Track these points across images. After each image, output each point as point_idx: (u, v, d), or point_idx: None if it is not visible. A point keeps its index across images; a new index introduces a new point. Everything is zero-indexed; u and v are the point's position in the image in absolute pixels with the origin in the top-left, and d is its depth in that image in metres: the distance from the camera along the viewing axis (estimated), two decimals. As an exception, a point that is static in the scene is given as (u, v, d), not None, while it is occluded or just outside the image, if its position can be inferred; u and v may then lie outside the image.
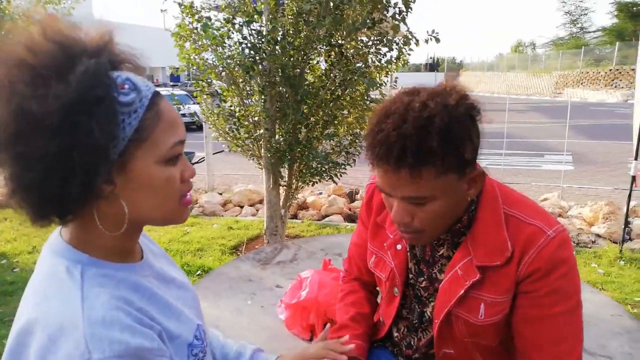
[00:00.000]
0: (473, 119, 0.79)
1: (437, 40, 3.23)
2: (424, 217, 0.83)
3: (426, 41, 3.28)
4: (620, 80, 23.09)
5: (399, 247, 1.00)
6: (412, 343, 1.05)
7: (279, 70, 3.13)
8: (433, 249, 0.96)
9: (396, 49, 3.42)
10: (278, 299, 1.69)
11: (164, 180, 0.67)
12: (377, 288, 1.16)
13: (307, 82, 3.38)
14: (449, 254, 0.94)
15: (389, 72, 3.75)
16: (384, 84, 3.74)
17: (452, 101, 0.76)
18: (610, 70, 23.75)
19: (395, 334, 1.09)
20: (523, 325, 0.88)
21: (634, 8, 27.89)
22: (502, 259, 0.84)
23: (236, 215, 5.24)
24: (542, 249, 0.82)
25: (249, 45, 3.13)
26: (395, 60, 3.53)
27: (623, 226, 3.81)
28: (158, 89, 0.70)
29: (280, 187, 3.72)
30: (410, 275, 1.01)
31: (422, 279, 0.99)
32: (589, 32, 35.52)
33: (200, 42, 3.37)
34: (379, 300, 1.18)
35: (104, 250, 0.68)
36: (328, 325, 0.97)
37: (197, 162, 6.12)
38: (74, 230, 0.69)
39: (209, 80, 3.54)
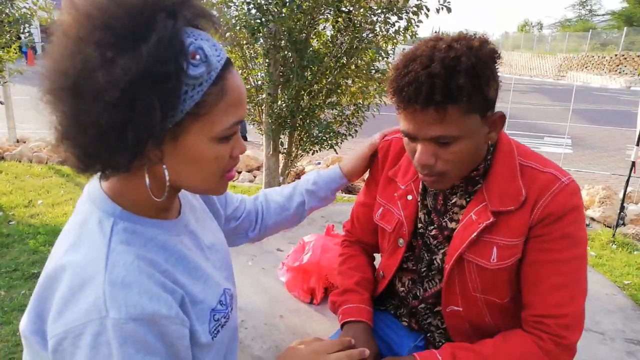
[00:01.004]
0: (495, 60, 0.82)
1: (449, 10, 3.15)
2: (448, 158, 0.84)
3: (437, 10, 3.20)
4: (625, 66, 22.84)
5: (409, 197, 1.02)
6: (418, 294, 1.06)
7: (286, 33, 3.05)
8: (446, 198, 0.98)
9: (405, 18, 3.34)
10: (279, 261, 1.70)
11: (213, 157, 0.66)
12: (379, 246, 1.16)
13: (312, 48, 3.31)
14: (461, 202, 0.96)
15: (396, 44, 3.68)
16: (390, 55, 3.68)
17: (476, 43, 0.80)
18: (616, 55, 23.46)
19: (401, 289, 1.09)
20: (530, 270, 0.89)
21: (646, -7, 27.39)
22: (516, 204, 0.87)
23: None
24: (557, 194, 0.85)
25: (255, 5, 3.04)
26: (403, 31, 3.46)
27: (618, 211, 3.85)
28: None
29: (280, 155, 3.70)
30: (420, 225, 1.02)
31: (432, 227, 1.00)
32: (598, 15, 35.04)
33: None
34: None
35: (139, 204, 0.67)
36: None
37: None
38: (113, 180, 0.68)
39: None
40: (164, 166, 0.64)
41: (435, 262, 1.01)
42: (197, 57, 0.59)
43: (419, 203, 1.01)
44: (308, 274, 1.52)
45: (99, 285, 0.58)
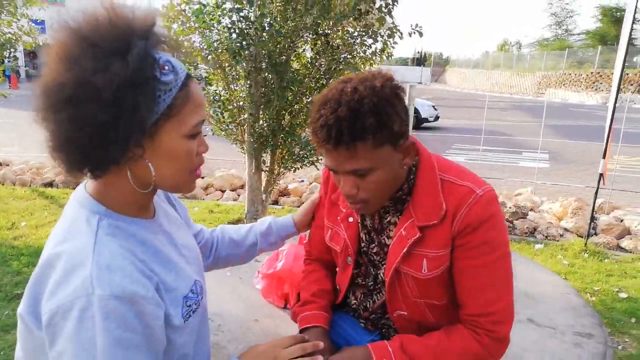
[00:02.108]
0: (398, 96, 0.90)
1: (420, 34, 3.33)
2: (368, 187, 0.94)
3: (410, 34, 3.38)
4: (601, 83, 23.60)
5: (350, 219, 1.12)
6: (368, 306, 1.16)
7: (266, 56, 3.19)
8: (381, 217, 1.07)
9: (381, 41, 3.51)
10: (255, 271, 1.79)
11: (184, 152, 0.78)
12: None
13: (292, 70, 3.44)
14: (395, 220, 1.05)
15: (373, 64, 3.84)
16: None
17: (378, 84, 0.88)
18: (592, 73, 24.26)
19: (353, 301, 1.20)
20: (459, 276, 0.99)
21: (618, 13, 28.48)
22: (437, 218, 0.96)
23: (217, 200, 5.30)
24: (472, 206, 0.94)
25: (236, 30, 3.18)
26: (380, 53, 3.62)
27: (589, 221, 4.01)
28: None
29: (262, 173, 3.79)
30: (363, 244, 1.12)
31: (373, 245, 1.10)
32: (574, 34, 36.29)
33: (188, 25, 3.41)
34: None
35: (120, 204, 0.79)
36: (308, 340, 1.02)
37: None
38: (97, 184, 0.79)
39: (195, 64, 3.58)
40: (147, 160, 0.75)
41: (379, 276, 1.11)
42: (166, 67, 0.74)
43: (360, 224, 1.12)
44: (282, 281, 1.60)
45: (87, 268, 0.69)
